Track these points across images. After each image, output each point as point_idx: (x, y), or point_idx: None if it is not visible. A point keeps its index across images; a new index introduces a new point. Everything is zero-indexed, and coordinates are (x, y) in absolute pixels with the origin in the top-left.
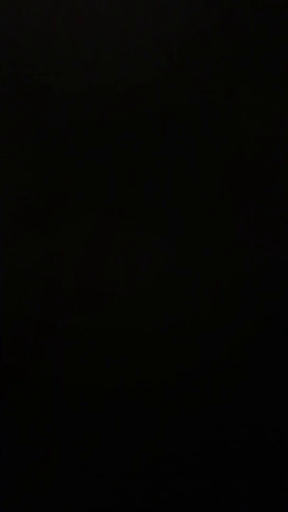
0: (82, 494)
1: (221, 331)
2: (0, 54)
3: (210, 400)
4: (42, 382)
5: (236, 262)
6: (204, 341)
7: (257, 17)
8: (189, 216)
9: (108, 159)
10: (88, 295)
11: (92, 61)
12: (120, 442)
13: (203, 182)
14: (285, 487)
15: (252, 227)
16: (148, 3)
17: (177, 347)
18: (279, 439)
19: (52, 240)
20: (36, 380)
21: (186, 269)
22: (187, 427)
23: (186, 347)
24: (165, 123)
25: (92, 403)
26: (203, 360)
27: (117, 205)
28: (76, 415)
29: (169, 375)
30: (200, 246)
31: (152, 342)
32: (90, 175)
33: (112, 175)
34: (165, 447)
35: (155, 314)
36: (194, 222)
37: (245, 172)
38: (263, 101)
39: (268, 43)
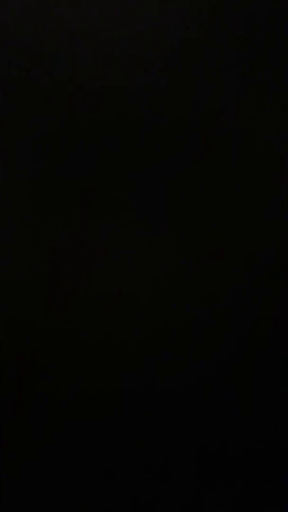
0: (82, 495)
1: (222, 333)
2: None
3: (210, 400)
4: (42, 382)
5: (236, 262)
6: (204, 342)
7: (256, 20)
8: (189, 219)
9: (108, 162)
10: (88, 297)
11: (92, 66)
12: (119, 444)
13: (203, 184)
14: (285, 490)
15: (252, 228)
16: (149, 7)
17: (177, 348)
18: (279, 439)
19: (52, 243)
20: (36, 381)
21: (186, 271)
22: (187, 428)
23: (187, 348)
24: (164, 127)
25: (91, 404)
26: (203, 360)
27: (117, 207)
28: (75, 416)
29: (170, 376)
30: (200, 248)
31: (152, 342)
32: (89, 178)
33: (111, 179)
34: (164, 449)
35: (155, 315)
36: (194, 225)
37: (244, 173)
38: (261, 103)
39: (268, 46)
